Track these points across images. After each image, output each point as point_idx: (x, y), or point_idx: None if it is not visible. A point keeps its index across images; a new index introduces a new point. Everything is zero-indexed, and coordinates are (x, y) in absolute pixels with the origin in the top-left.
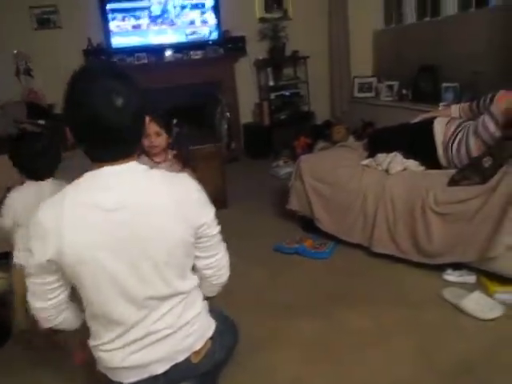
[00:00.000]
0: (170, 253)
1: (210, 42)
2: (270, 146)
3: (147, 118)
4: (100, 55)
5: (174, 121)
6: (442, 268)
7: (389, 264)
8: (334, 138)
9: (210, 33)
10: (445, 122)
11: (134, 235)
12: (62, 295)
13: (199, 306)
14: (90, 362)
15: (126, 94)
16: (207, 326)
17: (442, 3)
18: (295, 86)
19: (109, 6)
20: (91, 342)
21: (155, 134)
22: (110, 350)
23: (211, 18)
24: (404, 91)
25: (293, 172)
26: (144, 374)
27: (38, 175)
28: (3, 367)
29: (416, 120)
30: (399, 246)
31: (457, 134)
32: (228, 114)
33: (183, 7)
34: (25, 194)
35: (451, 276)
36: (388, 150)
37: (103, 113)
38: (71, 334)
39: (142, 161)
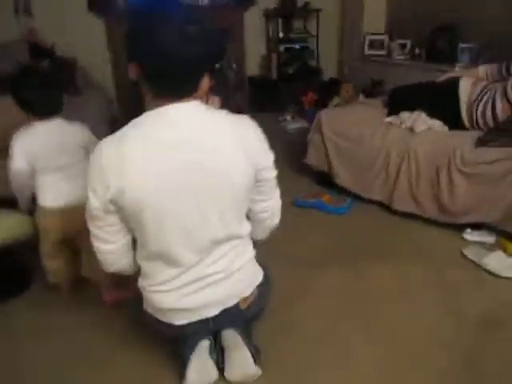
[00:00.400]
0: (234, 195)
1: None
2: (277, 100)
3: None
4: None
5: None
6: (461, 228)
7: (408, 222)
8: (342, 96)
9: None
10: (471, 83)
11: (200, 174)
12: (124, 240)
13: (250, 252)
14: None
15: (197, 27)
16: (256, 274)
17: None
18: (304, 40)
19: None
20: (142, 282)
21: None
22: (163, 291)
23: None
24: (417, 50)
25: (312, 126)
26: (195, 317)
27: (41, 111)
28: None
29: (441, 79)
30: (420, 205)
31: (483, 96)
32: (234, 65)
33: None
34: (36, 135)
35: (471, 235)
36: (410, 108)
37: (176, 45)
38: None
39: None
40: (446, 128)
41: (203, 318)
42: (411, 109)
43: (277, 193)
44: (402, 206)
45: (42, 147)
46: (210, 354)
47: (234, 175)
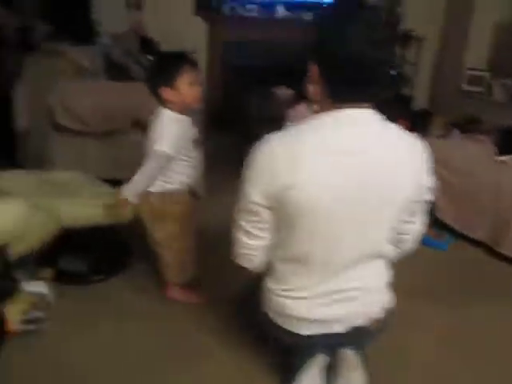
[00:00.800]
0: (395, 211)
1: (324, 5)
2: None
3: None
4: (210, 1)
5: None
6: None
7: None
8: (433, 129)
9: None
10: None
11: (371, 186)
12: (269, 237)
13: (388, 275)
14: None
15: (386, 33)
16: (388, 296)
17: None
18: (400, 67)
19: None
20: (271, 285)
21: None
22: (296, 298)
23: None
24: None
25: None
26: (323, 330)
27: None
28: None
29: None
30: None
31: None
32: None
33: None
34: (183, 122)
35: None
36: None
37: (364, 49)
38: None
39: (301, 108)
40: None
41: (331, 332)
42: None
43: (423, 218)
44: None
45: (185, 135)
46: (322, 369)
47: (401, 191)
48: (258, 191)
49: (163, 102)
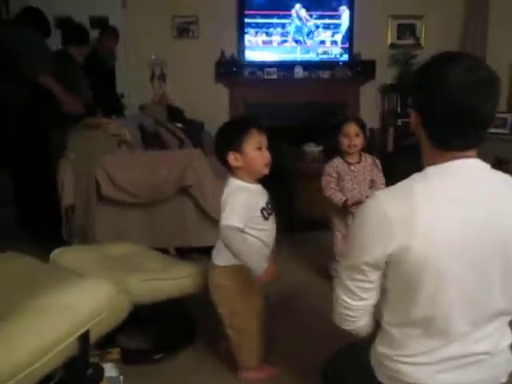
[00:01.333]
0: None
1: (340, 63)
2: (392, 172)
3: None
4: (232, 67)
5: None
6: None
7: None
8: None
9: (341, 54)
10: None
11: (491, 238)
12: (374, 298)
13: (510, 334)
14: None
15: (483, 72)
16: (510, 360)
17: None
18: None
19: (246, 20)
20: (385, 350)
21: (355, 135)
22: (416, 364)
23: (343, 39)
24: None
25: None
26: None
27: None
28: None
29: None
30: None
31: None
32: None
33: (317, 26)
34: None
35: None
36: None
37: (465, 89)
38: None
39: (335, 160)
40: None
41: None
42: None
43: None
44: None
45: (253, 205)
46: None
47: None
48: (368, 251)
49: (231, 170)
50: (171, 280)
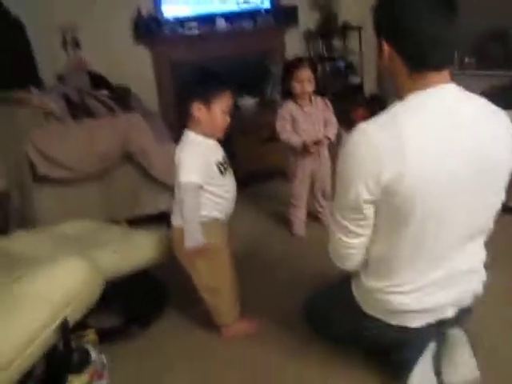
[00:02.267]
0: (498, 185)
1: (262, 11)
2: None
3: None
4: (150, 26)
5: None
6: None
7: None
8: None
9: (262, 1)
10: None
11: (477, 160)
12: (370, 233)
13: (484, 250)
14: None
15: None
16: (484, 270)
17: None
18: (345, 58)
19: None
20: (373, 283)
21: (308, 80)
22: (407, 292)
23: None
24: (466, 59)
25: None
26: (432, 318)
27: None
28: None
29: None
30: None
31: None
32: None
33: None
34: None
35: None
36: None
37: (443, 26)
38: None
39: (289, 105)
40: None
41: (443, 317)
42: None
43: None
44: None
45: (211, 160)
46: (434, 358)
47: (505, 161)
48: (362, 186)
49: (190, 121)
50: (136, 250)
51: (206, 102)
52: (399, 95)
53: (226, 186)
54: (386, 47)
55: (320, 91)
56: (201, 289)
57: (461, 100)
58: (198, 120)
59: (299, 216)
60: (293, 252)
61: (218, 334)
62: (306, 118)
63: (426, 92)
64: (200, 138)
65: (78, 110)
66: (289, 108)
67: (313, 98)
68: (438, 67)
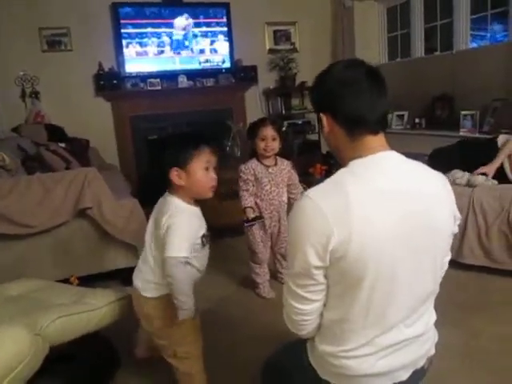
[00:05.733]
0: (444, 246)
1: (223, 71)
2: None
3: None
4: (112, 80)
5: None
6: None
7: (477, 275)
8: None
9: (223, 61)
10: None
11: (424, 226)
12: (324, 299)
13: (434, 311)
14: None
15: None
16: (436, 331)
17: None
18: (303, 116)
19: (124, 31)
20: (328, 348)
21: (272, 138)
22: (361, 356)
23: (224, 47)
24: (417, 120)
25: None
26: (387, 382)
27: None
28: None
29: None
30: (492, 256)
31: None
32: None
33: (195, 36)
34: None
35: None
36: (452, 166)
37: (376, 98)
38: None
39: (252, 163)
40: (495, 181)
41: (395, 382)
42: (454, 167)
43: None
44: (471, 260)
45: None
46: None
47: (447, 224)
48: (311, 252)
49: (170, 188)
50: (88, 313)
51: (182, 165)
52: (343, 164)
53: (204, 258)
54: (325, 120)
55: (285, 155)
56: (171, 356)
57: (401, 167)
58: (180, 187)
59: (262, 275)
60: (256, 310)
61: None
62: (270, 178)
63: (367, 159)
64: (186, 206)
65: (32, 162)
66: (252, 167)
67: (278, 159)
68: (374, 130)
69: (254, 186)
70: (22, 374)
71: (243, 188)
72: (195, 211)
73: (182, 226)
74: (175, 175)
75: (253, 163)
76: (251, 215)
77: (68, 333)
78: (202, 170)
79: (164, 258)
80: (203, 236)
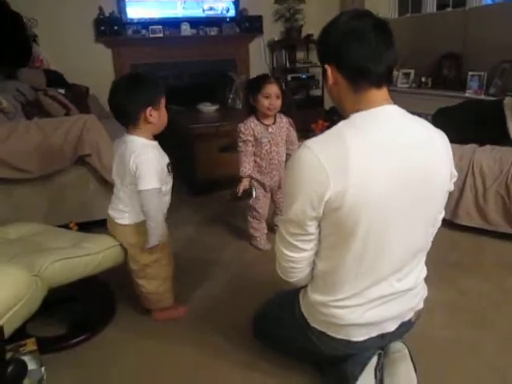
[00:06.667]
0: (438, 201)
1: (227, 20)
2: None
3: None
4: (112, 26)
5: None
6: None
7: (472, 236)
8: None
9: (228, 10)
10: None
11: (420, 179)
12: (314, 248)
13: (425, 267)
14: None
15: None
16: (425, 287)
17: None
18: (307, 70)
19: None
20: (319, 298)
21: (276, 96)
22: (350, 306)
23: None
24: (423, 79)
25: None
26: (374, 332)
27: None
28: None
29: None
30: (488, 218)
31: None
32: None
33: None
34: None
35: None
36: (456, 128)
37: (382, 49)
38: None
39: (251, 122)
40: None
41: (383, 332)
42: (458, 128)
43: None
44: (467, 221)
45: (162, 162)
46: (376, 370)
47: (445, 180)
48: (306, 202)
49: (136, 127)
50: (86, 257)
51: (156, 104)
52: (345, 117)
53: (169, 184)
54: (329, 71)
55: (285, 111)
56: (140, 277)
57: (402, 121)
58: (148, 124)
59: (260, 230)
60: (251, 261)
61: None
62: (270, 138)
63: (369, 111)
64: (151, 143)
65: (31, 107)
66: (251, 127)
67: (277, 116)
68: (378, 82)
69: (253, 146)
70: (20, 312)
71: (242, 149)
72: (156, 145)
73: (150, 161)
74: (149, 115)
75: (252, 123)
76: (241, 190)
77: (66, 275)
78: (164, 109)
79: (139, 191)
80: (168, 164)
